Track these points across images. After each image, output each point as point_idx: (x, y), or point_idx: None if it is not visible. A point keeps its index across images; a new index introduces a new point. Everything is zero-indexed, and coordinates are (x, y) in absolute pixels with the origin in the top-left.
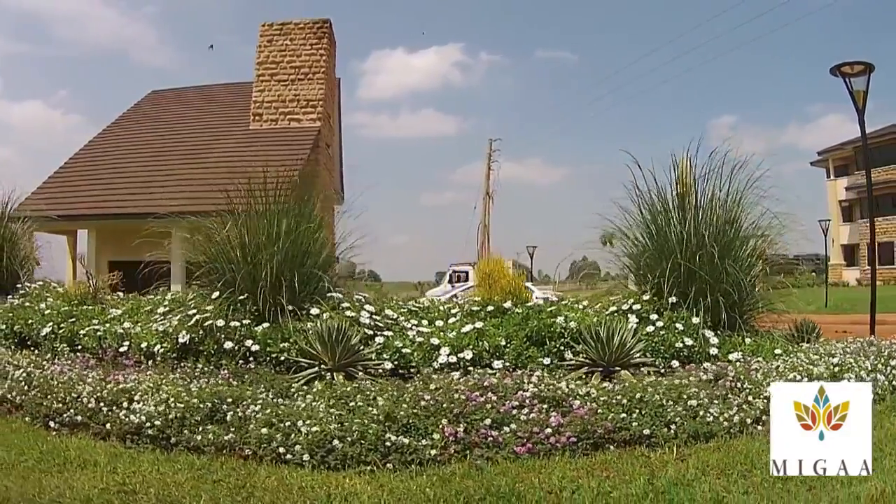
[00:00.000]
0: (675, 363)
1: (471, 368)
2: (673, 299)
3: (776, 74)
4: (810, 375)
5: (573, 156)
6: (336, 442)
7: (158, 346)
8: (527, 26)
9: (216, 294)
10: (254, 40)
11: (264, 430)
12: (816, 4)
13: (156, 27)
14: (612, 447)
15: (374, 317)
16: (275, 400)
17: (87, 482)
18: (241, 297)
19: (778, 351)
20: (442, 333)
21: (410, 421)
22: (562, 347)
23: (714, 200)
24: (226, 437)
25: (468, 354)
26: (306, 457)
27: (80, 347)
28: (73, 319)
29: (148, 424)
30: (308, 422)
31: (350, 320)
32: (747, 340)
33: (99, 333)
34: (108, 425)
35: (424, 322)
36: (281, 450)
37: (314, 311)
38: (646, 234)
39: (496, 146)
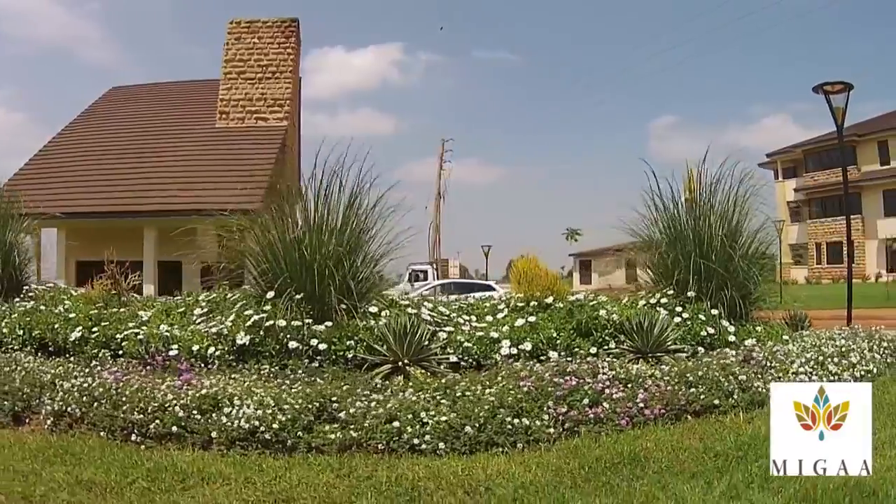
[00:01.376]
0: (700, 349)
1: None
2: (691, 293)
3: (719, 75)
4: (823, 354)
5: (510, 156)
6: (468, 429)
7: (213, 349)
8: (466, 26)
9: (271, 294)
10: (196, 38)
11: (395, 424)
12: (757, 5)
13: (100, 24)
14: (689, 416)
15: (430, 313)
16: (371, 396)
17: (233, 497)
18: (298, 297)
19: (785, 337)
20: (497, 328)
21: (521, 405)
22: (606, 337)
23: (726, 204)
24: (353, 435)
25: (527, 346)
26: (441, 445)
27: (121, 353)
28: (106, 323)
29: (263, 428)
30: (430, 413)
31: (413, 317)
32: (758, 329)
33: (140, 337)
34: (213, 433)
35: (473, 318)
36: (415, 441)
37: (373, 308)
38: (666, 236)
39: (448, 146)
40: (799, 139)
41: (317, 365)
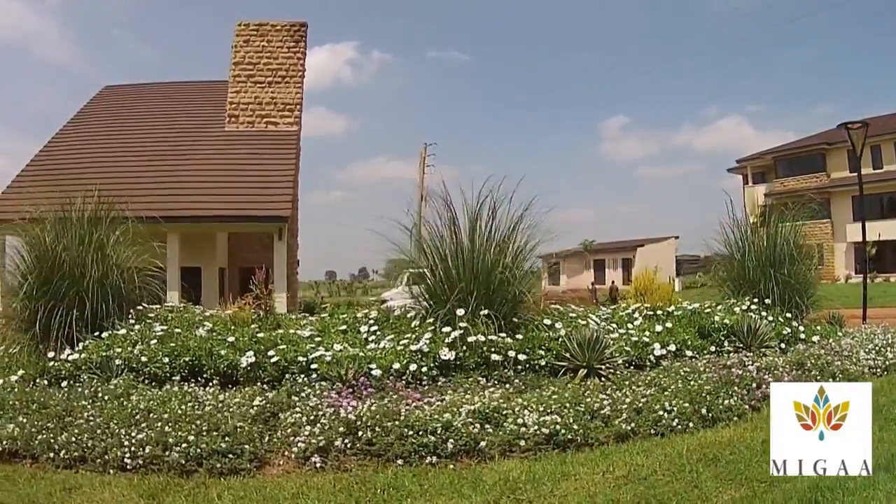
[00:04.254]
0: (782, 345)
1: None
2: (767, 301)
3: (670, 75)
4: (876, 346)
5: (460, 156)
6: (703, 410)
7: (413, 366)
8: (419, 26)
9: (461, 311)
10: (149, 37)
11: (660, 412)
12: (710, 10)
13: (58, 20)
14: None
15: (595, 322)
16: (608, 396)
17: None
18: (484, 312)
19: (839, 333)
20: (640, 334)
21: (718, 391)
22: (721, 338)
23: (781, 226)
24: (626, 427)
25: (672, 347)
26: (690, 424)
27: (314, 376)
28: (284, 346)
29: (563, 431)
30: (666, 403)
31: (582, 327)
32: (817, 327)
33: (327, 359)
34: (522, 441)
35: (614, 325)
36: (674, 422)
37: (547, 321)
38: (746, 255)
39: (431, 150)
40: (755, 141)
41: (512, 374)
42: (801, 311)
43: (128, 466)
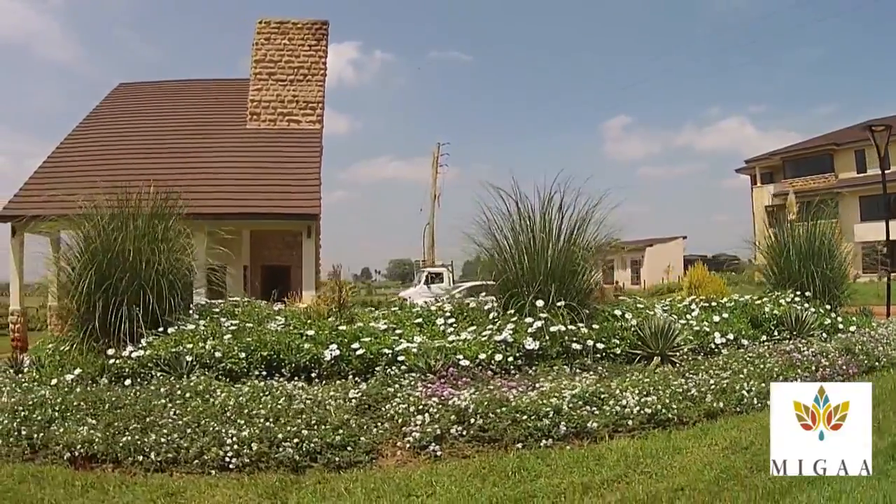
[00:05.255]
0: (824, 334)
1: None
2: (807, 294)
3: (672, 76)
4: None
5: (462, 156)
6: None
7: (499, 356)
8: (421, 26)
9: (540, 303)
10: (152, 37)
11: (742, 392)
12: (711, 11)
13: (60, 20)
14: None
15: (662, 313)
16: (690, 378)
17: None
18: (561, 304)
19: (874, 324)
20: (703, 323)
21: (784, 373)
22: (771, 327)
23: (818, 224)
24: (717, 405)
25: (731, 336)
26: (767, 402)
27: (403, 367)
28: (368, 339)
29: (664, 411)
30: (745, 384)
31: (652, 317)
32: (854, 318)
33: (413, 350)
34: (629, 421)
35: (674, 316)
36: (754, 401)
37: (617, 312)
38: (789, 251)
39: (444, 150)
40: (757, 141)
41: (590, 362)
42: (838, 303)
43: (230, 466)
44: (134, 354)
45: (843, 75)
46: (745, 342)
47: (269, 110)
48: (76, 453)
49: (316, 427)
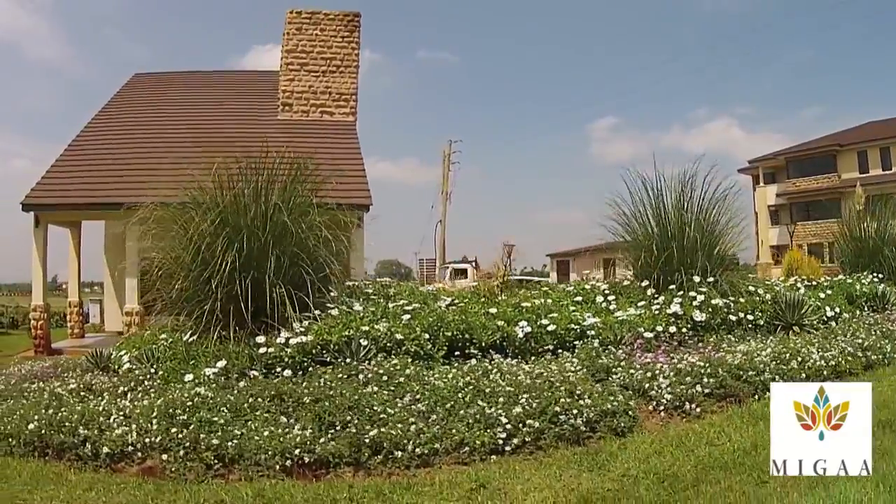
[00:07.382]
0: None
1: None
2: (880, 275)
3: (660, 76)
4: None
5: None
6: None
7: (672, 328)
8: (410, 27)
9: (697, 278)
10: (139, 36)
11: (887, 348)
12: (697, 12)
13: (48, 20)
14: None
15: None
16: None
17: None
18: (711, 280)
19: None
20: (811, 299)
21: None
22: (863, 303)
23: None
24: (874, 358)
25: (837, 309)
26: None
27: (595, 343)
28: (555, 314)
29: (843, 363)
30: (882, 342)
31: (782, 292)
32: None
33: (599, 325)
34: (824, 371)
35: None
36: (894, 356)
37: (751, 288)
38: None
39: (455, 147)
40: (745, 143)
41: (742, 332)
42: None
43: (505, 449)
44: (293, 341)
45: (832, 77)
46: (846, 315)
47: (302, 101)
48: (291, 461)
49: (580, 398)
